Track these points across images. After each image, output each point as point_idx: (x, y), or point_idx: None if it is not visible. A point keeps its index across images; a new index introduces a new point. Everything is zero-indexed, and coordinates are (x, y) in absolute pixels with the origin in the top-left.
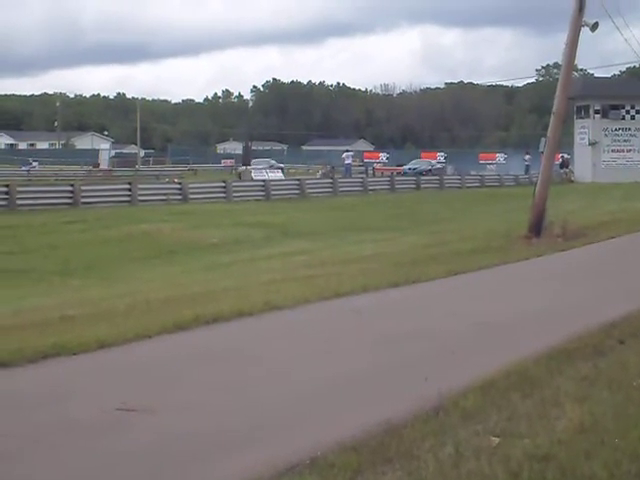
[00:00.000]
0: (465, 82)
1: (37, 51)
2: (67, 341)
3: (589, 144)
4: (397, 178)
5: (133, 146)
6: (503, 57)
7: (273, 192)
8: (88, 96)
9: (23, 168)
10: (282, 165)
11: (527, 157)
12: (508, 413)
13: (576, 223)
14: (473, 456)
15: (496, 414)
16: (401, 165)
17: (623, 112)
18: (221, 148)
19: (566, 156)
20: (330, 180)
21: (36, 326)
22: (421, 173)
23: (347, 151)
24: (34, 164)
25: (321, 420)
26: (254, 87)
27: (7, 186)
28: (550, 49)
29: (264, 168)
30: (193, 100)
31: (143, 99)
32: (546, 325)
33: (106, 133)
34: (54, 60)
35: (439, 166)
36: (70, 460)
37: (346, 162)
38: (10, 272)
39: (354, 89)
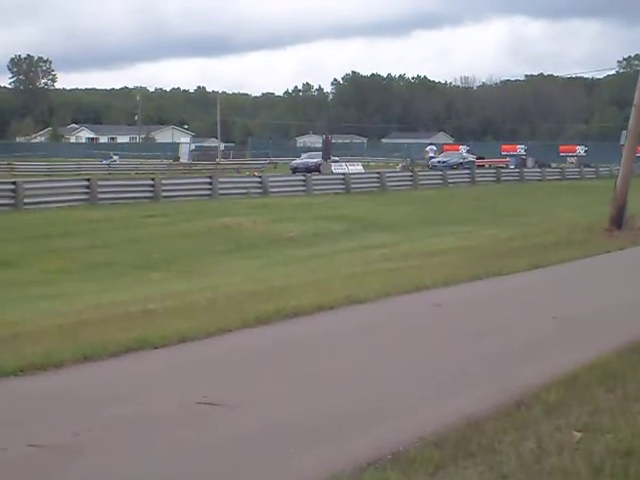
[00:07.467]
0: (545, 74)
1: (120, 45)
2: (149, 335)
3: None
4: (477, 171)
5: (213, 140)
6: (586, 49)
7: (353, 185)
8: (168, 90)
9: (104, 162)
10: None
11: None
12: (591, 407)
13: None
14: (555, 451)
15: (578, 408)
16: (505, 157)
17: None
18: (301, 141)
19: None
20: (410, 173)
21: (118, 320)
22: (452, 167)
23: (431, 144)
24: (115, 158)
25: (402, 415)
26: (334, 80)
27: (88, 180)
28: (635, 40)
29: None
30: (273, 93)
31: (223, 92)
32: (628, 318)
33: (186, 127)
34: (136, 54)
35: (471, 159)
36: (149, 454)
37: (429, 155)
38: (92, 266)
39: (434, 82)
